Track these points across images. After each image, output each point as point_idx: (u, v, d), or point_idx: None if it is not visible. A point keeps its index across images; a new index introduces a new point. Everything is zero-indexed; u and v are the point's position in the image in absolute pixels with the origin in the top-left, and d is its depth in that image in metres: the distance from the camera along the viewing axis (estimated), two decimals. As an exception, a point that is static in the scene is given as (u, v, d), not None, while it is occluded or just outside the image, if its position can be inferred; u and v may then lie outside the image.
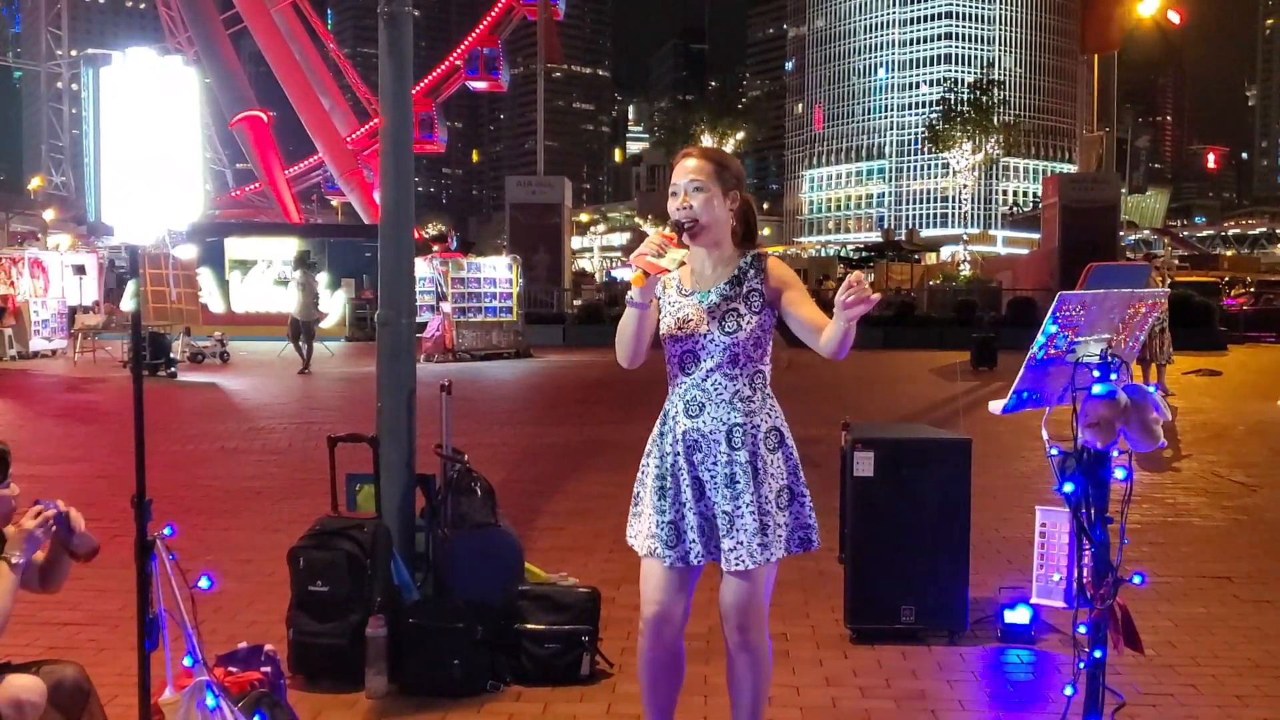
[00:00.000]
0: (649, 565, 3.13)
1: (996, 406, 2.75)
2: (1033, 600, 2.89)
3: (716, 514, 3.05)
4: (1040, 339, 2.61)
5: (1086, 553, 2.72)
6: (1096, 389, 2.66)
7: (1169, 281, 16.61)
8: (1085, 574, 2.73)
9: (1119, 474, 2.73)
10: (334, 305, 28.05)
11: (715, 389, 3.06)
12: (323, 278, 28.18)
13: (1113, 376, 2.66)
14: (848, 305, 2.76)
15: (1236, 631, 5.03)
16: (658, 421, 3.20)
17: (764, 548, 3.02)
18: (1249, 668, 4.56)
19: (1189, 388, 15.76)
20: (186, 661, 3.06)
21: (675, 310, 3.12)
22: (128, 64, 2.90)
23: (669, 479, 3.10)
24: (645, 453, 3.23)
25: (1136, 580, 2.78)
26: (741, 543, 3.01)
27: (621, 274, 61.52)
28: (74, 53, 69.84)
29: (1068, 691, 2.84)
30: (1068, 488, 2.69)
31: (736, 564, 3.02)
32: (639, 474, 3.25)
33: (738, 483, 3.03)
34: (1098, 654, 2.73)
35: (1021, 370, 2.66)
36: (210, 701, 3.00)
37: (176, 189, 2.96)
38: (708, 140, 63.49)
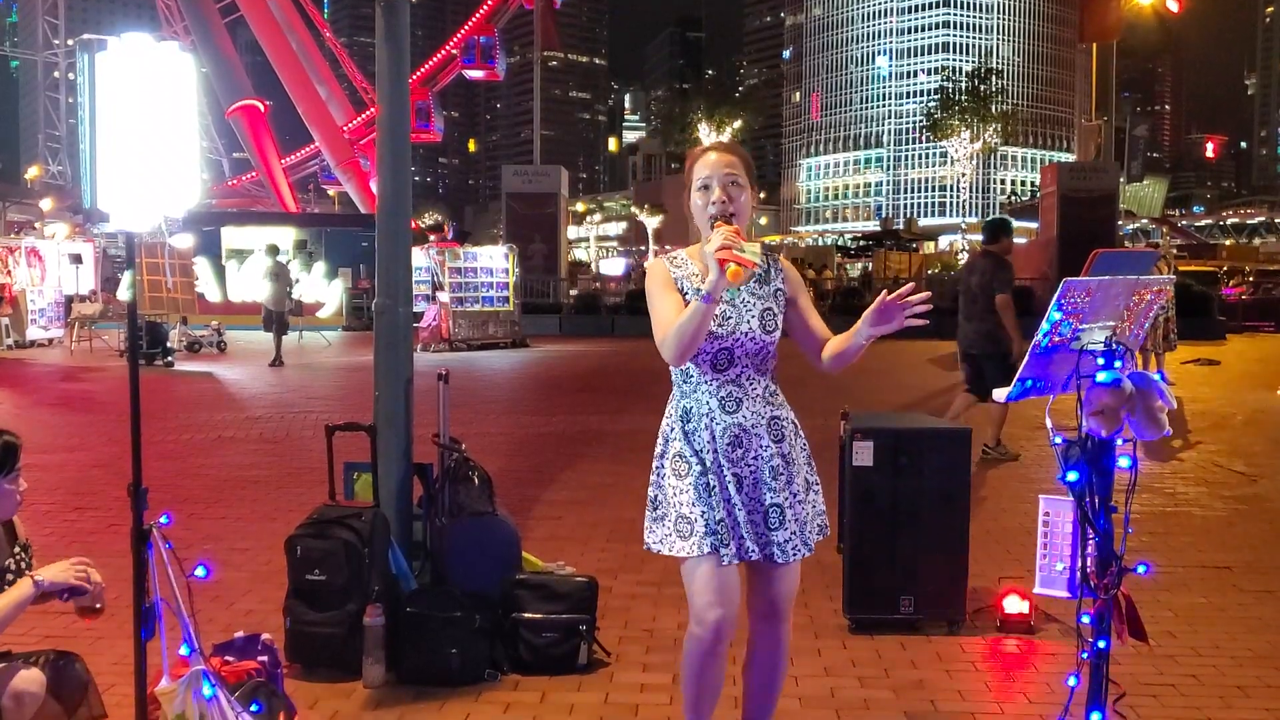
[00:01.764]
0: (705, 567, 2.98)
1: (1000, 394, 2.73)
2: (1036, 590, 2.87)
3: (764, 508, 3.02)
4: (1044, 326, 2.59)
5: (1090, 542, 2.70)
6: (1101, 376, 2.64)
7: (1175, 270, 16.61)
8: (1089, 563, 2.71)
9: (1123, 462, 2.72)
10: (331, 295, 28.01)
11: (750, 385, 3.05)
12: (319, 267, 28.22)
13: (1117, 364, 2.64)
14: (884, 314, 2.82)
15: (1237, 622, 5.03)
16: (674, 421, 3.11)
17: (810, 536, 3.08)
18: (1250, 658, 4.55)
19: (1188, 377, 15.76)
20: (183, 650, 3.05)
21: None
22: (124, 49, 2.88)
23: (712, 476, 3.02)
24: (660, 454, 3.13)
25: (1141, 570, 2.76)
26: (795, 533, 3.02)
27: (609, 267, 61.37)
28: (70, 42, 69.64)
29: (1071, 682, 2.83)
30: (1071, 476, 2.68)
31: (794, 554, 3.02)
32: (654, 476, 3.14)
33: (781, 475, 3.03)
34: (1101, 644, 2.72)
35: (1026, 358, 2.64)
36: (207, 690, 2.98)
37: (172, 175, 2.94)
38: (705, 129, 63.39)
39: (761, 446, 3.03)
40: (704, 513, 2.99)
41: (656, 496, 3.12)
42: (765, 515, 3.02)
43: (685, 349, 2.93)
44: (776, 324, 3.08)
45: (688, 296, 3.03)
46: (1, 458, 3.11)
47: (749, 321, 3.03)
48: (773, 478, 3.02)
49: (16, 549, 3.22)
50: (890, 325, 2.86)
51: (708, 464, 3.02)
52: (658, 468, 3.13)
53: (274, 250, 19.02)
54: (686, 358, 2.98)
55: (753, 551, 3.00)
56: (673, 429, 3.11)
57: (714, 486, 3.01)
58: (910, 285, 2.85)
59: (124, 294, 3.43)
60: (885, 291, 2.88)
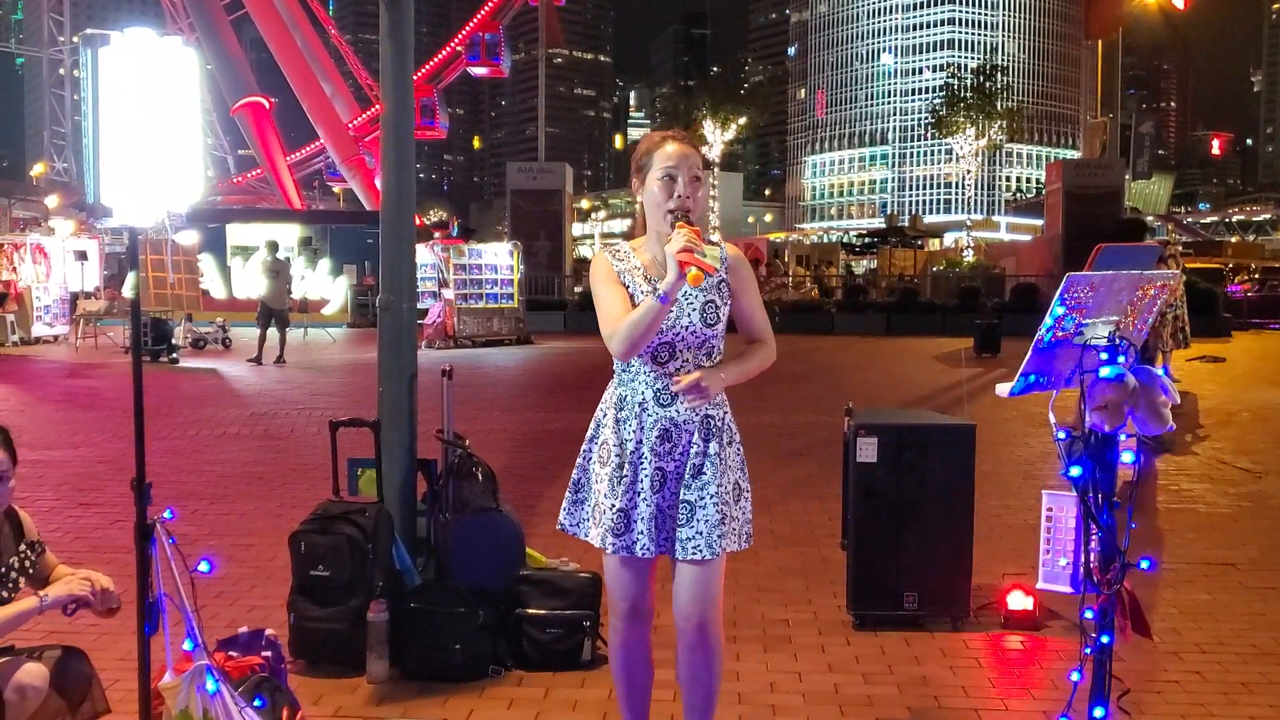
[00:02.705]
0: (614, 559, 3.07)
1: (1004, 389, 2.73)
2: (1039, 585, 2.87)
3: (676, 504, 3.00)
4: (1048, 321, 2.58)
5: (1093, 538, 2.70)
6: (1104, 371, 2.63)
7: (1183, 268, 16.62)
8: (1092, 559, 2.71)
9: (1127, 458, 2.71)
10: (336, 291, 28.05)
11: None
12: (324, 264, 28.26)
13: (1121, 359, 2.63)
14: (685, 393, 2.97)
15: (1241, 618, 5.02)
16: (608, 407, 3.11)
17: (721, 538, 2.99)
18: (1254, 654, 4.54)
19: (1193, 374, 15.72)
20: (187, 645, 3.05)
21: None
22: (127, 44, 2.88)
23: (628, 467, 3.01)
24: (590, 437, 3.16)
25: (1144, 565, 2.76)
26: (700, 532, 2.97)
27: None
28: (75, 39, 69.70)
29: (1074, 677, 2.83)
30: (1075, 471, 2.67)
31: (694, 553, 2.97)
32: (580, 459, 3.18)
33: (704, 473, 2.99)
34: (1105, 640, 2.72)
35: (1029, 353, 2.63)
36: (210, 685, 2.99)
37: (175, 171, 2.93)
38: (709, 126, 63.28)
39: (689, 443, 3.01)
40: (612, 504, 3.01)
41: (579, 479, 3.17)
42: (678, 511, 3.01)
43: (635, 345, 2.92)
44: (719, 316, 3.04)
45: (631, 290, 3.02)
46: None
47: (690, 315, 3.00)
48: (693, 475, 2.99)
49: (22, 547, 3.22)
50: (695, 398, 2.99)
51: (627, 454, 3.02)
52: (585, 451, 3.16)
53: (274, 246, 18.83)
54: (635, 353, 2.96)
55: (647, 549, 2.98)
56: (605, 414, 3.12)
57: (625, 477, 3.01)
58: (683, 381, 2.96)
59: (129, 291, 3.43)
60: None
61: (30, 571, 3.26)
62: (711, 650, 3.10)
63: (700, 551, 2.97)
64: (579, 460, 3.18)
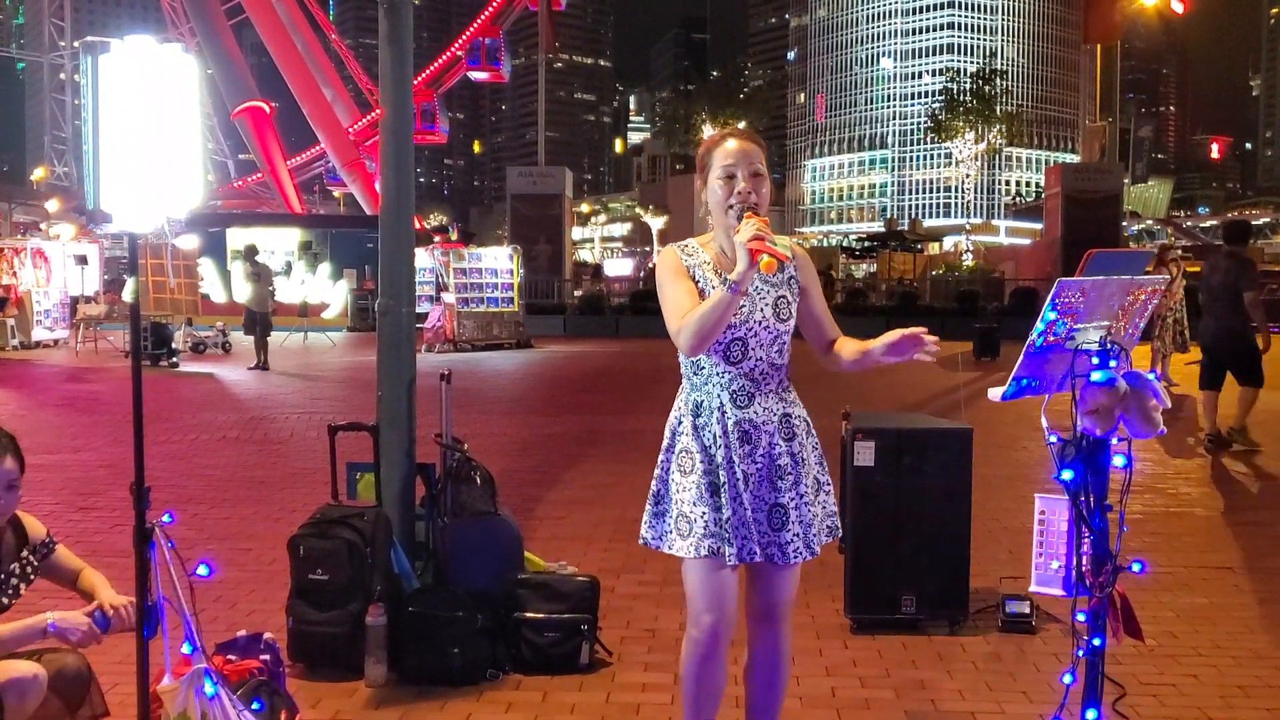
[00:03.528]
0: (706, 569, 2.93)
1: (996, 393, 2.74)
2: (1032, 588, 2.88)
3: (768, 507, 2.95)
4: (1039, 326, 2.60)
5: (1086, 541, 2.71)
6: (1096, 376, 2.65)
7: (1184, 272, 16.65)
8: (1084, 562, 2.72)
9: (1118, 461, 2.73)
10: (336, 296, 28.07)
11: (763, 378, 2.98)
12: (324, 268, 28.28)
13: (1112, 363, 2.65)
14: (899, 346, 2.86)
15: (1239, 622, 5.03)
16: (684, 414, 3.03)
17: (816, 536, 2.99)
18: (1251, 658, 4.55)
19: (1191, 378, 15.70)
20: (185, 649, 3.06)
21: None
22: (127, 51, 2.89)
23: (721, 473, 2.93)
24: (666, 447, 3.06)
25: (1136, 568, 2.77)
26: (798, 535, 2.94)
27: (612, 268, 61.37)
28: (76, 44, 69.81)
29: (1066, 680, 2.84)
30: (1066, 475, 2.69)
31: (795, 557, 2.94)
32: (659, 470, 3.07)
33: (789, 474, 2.96)
34: (1096, 642, 2.73)
35: (1021, 357, 2.65)
36: (209, 689, 3.00)
37: (175, 177, 2.95)
38: (709, 130, 63.32)
39: (772, 444, 2.96)
40: (704, 513, 2.92)
41: (659, 491, 3.06)
42: (769, 515, 2.95)
43: (705, 338, 2.83)
44: (791, 312, 3.01)
45: (700, 284, 2.96)
46: None
47: (763, 310, 2.95)
48: (779, 477, 2.95)
49: (25, 552, 3.23)
50: (901, 358, 2.89)
51: (716, 460, 2.94)
52: (663, 461, 3.06)
53: (253, 251, 18.67)
54: (704, 348, 2.88)
55: (755, 553, 2.93)
56: (681, 422, 3.03)
57: (721, 485, 2.93)
58: (927, 334, 2.86)
59: (129, 295, 3.44)
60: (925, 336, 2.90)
61: (32, 578, 3.26)
62: (786, 655, 3.13)
63: (801, 554, 2.95)
64: (657, 472, 3.08)
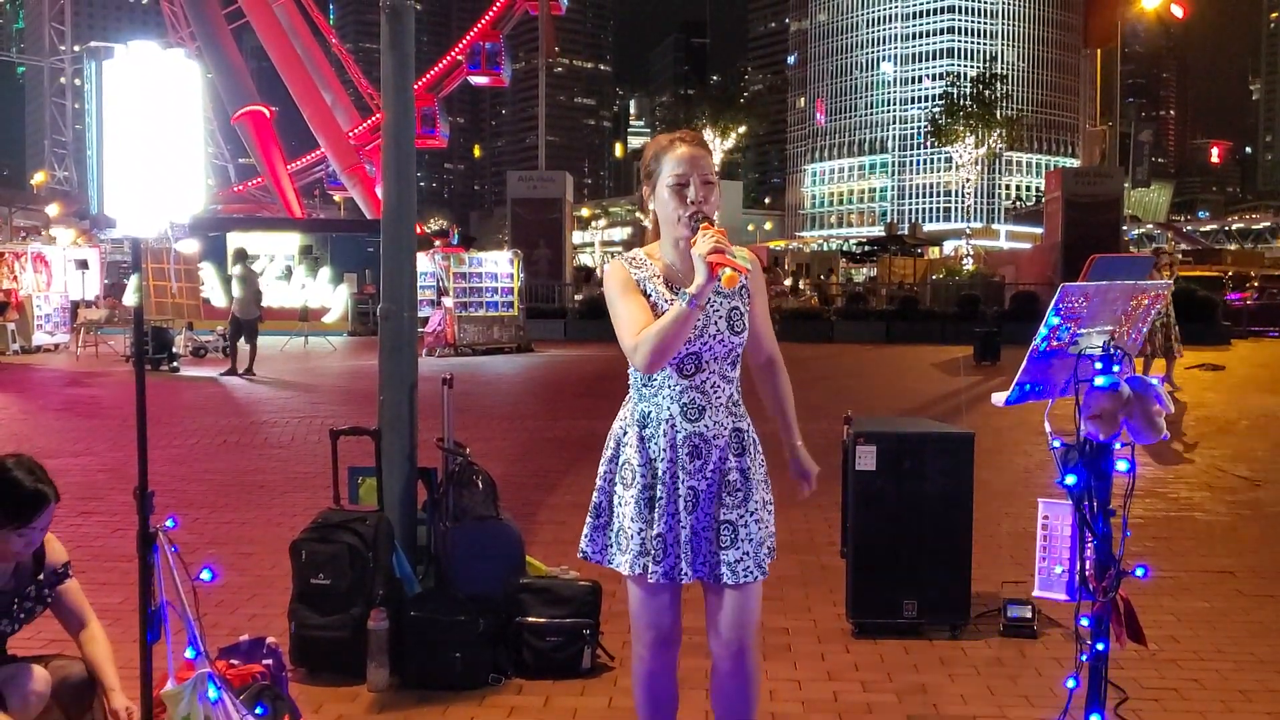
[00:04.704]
0: (638, 586, 2.91)
1: (999, 398, 2.74)
2: (1035, 593, 2.88)
3: (716, 525, 2.86)
4: (1043, 331, 2.60)
5: (1089, 545, 2.71)
6: (1099, 381, 2.65)
7: (1175, 277, 16.65)
8: (1087, 567, 2.72)
9: (1122, 466, 2.73)
10: (336, 300, 28.08)
11: (714, 391, 2.88)
12: (325, 272, 28.30)
13: (1115, 368, 2.65)
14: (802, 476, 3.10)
15: (1240, 626, 5.03)
16: (629, 425, 2.96)
17: (766, 557, 2.89)
18: (1253, 663, 4.55)
19: (1192, 382, 15.73)
20: (188, 654, 3.07)
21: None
22: (130, 57, 2.90)
23: (660, 487, 2.85)
24: (609, 458, 2.99)
25: (1139, 573, 2.77)
26: (748, 554, 2.84)
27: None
28: (77, 48, 69.92)
29: (1070, 684, 2.84)
30: (1070, 480, 2.69)
31: (745, 576, 2.83)
32: (601, 481, 3.01)
33: (739, 490, 2.86)
34: (1100, 647, 2.73)
35: (1024, 362, 2.65)
36: (212, 694, 3.00)
37: (178, 182, 2.96)
38: (709, 134, 63.35)
39: (721, 459, 2.87)
40: (640, 529, 2.85)
41: (600, 503, 3.01)
42: (717, 532, 2.85)
43: (663, 354, 2.75)
44: (745, 324, 2.90)
45: (653, 298, 2.85)
46: (26, 505, 3.09)
47: (717, 323, 2.86)
48: (729, 493, 2.86)
49: (42, 574, 3.23)
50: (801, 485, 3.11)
51: (657, 474, 2.87)
52: (605, 473, 3.00)
53: (241, 255, 18.42)
54: (662, 364, 2.80)
55: (686, 574, 2.84)
56: (626, 433, 2.96)
57: (658, 500, 2.85)
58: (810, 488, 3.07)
59: (130, 299, 3.43)
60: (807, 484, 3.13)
61: (48, 599, 3.25)
62: (750, 677, 2.97)
63: (751, 574, 2.84)
64: (598, 483, 3.01)
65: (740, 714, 3.00)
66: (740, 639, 2.92)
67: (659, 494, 2.86)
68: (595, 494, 3.03)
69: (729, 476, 2.87)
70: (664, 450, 2.87)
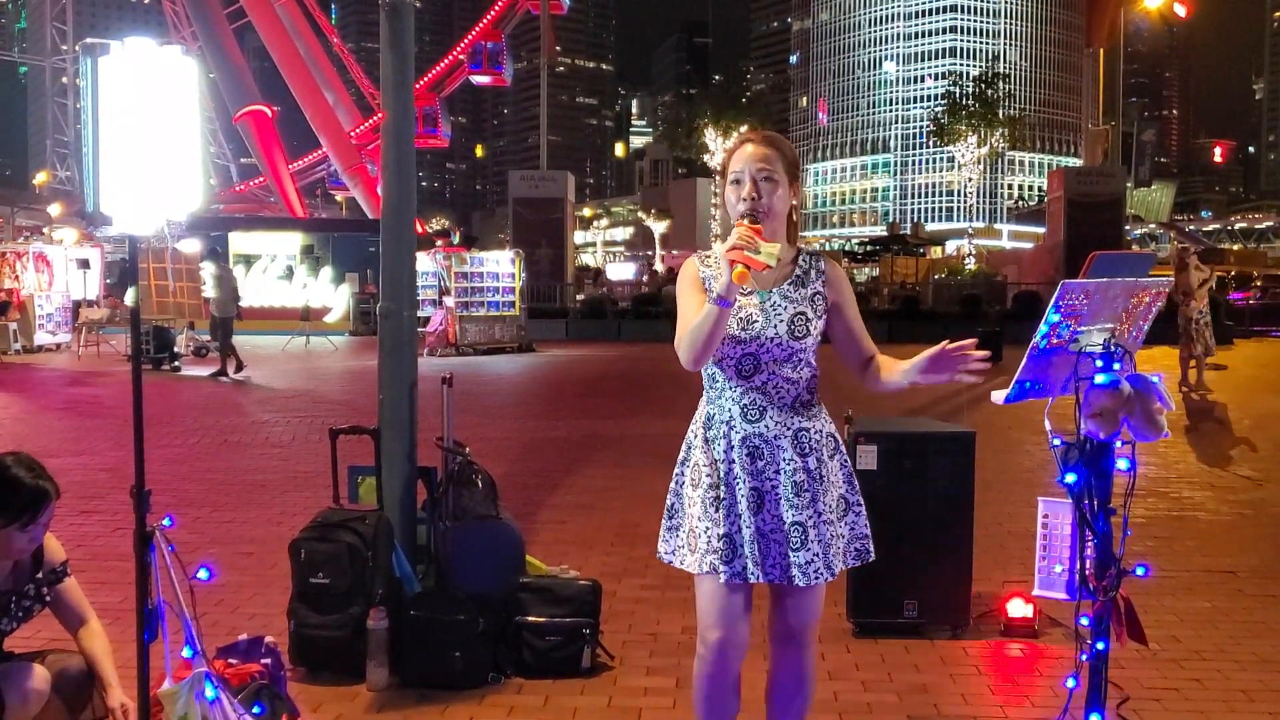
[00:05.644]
0: (708, 585, 2.87)
1: (999, 396, 2.72)
2: (1035, 592, 2.87)
3: (785, 526, 2.83)
4: (1043, 328, 2.58)
5: (1089, 544, 2.70)
6: (1099, 379, 2.64)
7: (1213, 275, 16.63)
8: (1088, 565, 2.71)
9: (1122, 465, 2.71)
10: (338, 300, 28.09)
11: (777, 393, 2.87)
12: (327, 272, 28.31)
13: (1116, 366, 2.64)
14: (938, 363, 2.71)
15: (1242, 626, 5.01)
16: (698, 427, 2.96)
17: (836, 557, 2.87)
18: (1255, 662, 4.54)
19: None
20: (186, 653, 3.06)
21: (737, 310, 2.84)
22: (126, 53, 2.89)
23: (723, 488, 2.85)
24: (681, 460, 3.00)
25: (1140, 572, 2.76)
26: (817, 555, 2.82)
27: (616, 272, 61.44)
28: (79, 48, 70.02)
29: (1070, 684, 2.83)
30: (1070, 478, 2.67)
31: (815, 578, 2.81)
32: (673, 484, 3.01)
33: (806, 491, 2.84)
34: (1100, 646, 2.72)
35: (1024, 360, 2.63)
36: (209, 693, 2.99)
37: (175, 179, 2.95)
38: (711, 134, 63.28)
39: (784, 459, 2.85)
40: (708, 528, 2.85)
41: (673, 505, 3.00)
42: (786, 534, 2.83)
43: (697, 352, 2.77)
44: (809, 330, 2.89)
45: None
46: (29, 502, 3.09)
47: (776, 326, 2.85)
48: (795, 494, 2.83)
49: (40, 573, 3.23)
50: (942, 377, 2.74)
51: (720, 475, 2.87)
52: (678, 474, 3.01)
53: (215, 253, 18.19)
54: (702, 361, 2.81)
55: (756, 574, 2.83)
56: (695, 435, 2.97)
57: (723, 500, 2.85)
58: (973, 341, 2.69)
59: (128, 299, 3.43)
60: (948, 340, 2.74)
61: (47, 598, 3.26)
62: (807, 676, 3.00)
63: (821, 575, 2.82)
64: (671, 485, 3.01)
65: (791, 706, 3.02)
66: (802, 636, 2.96)
67: (722, 494, 2.86)
68: (669, 495, 3.03)
69: (795, 477, 2.85)
70: (725, 451, 2.87)
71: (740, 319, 2.85)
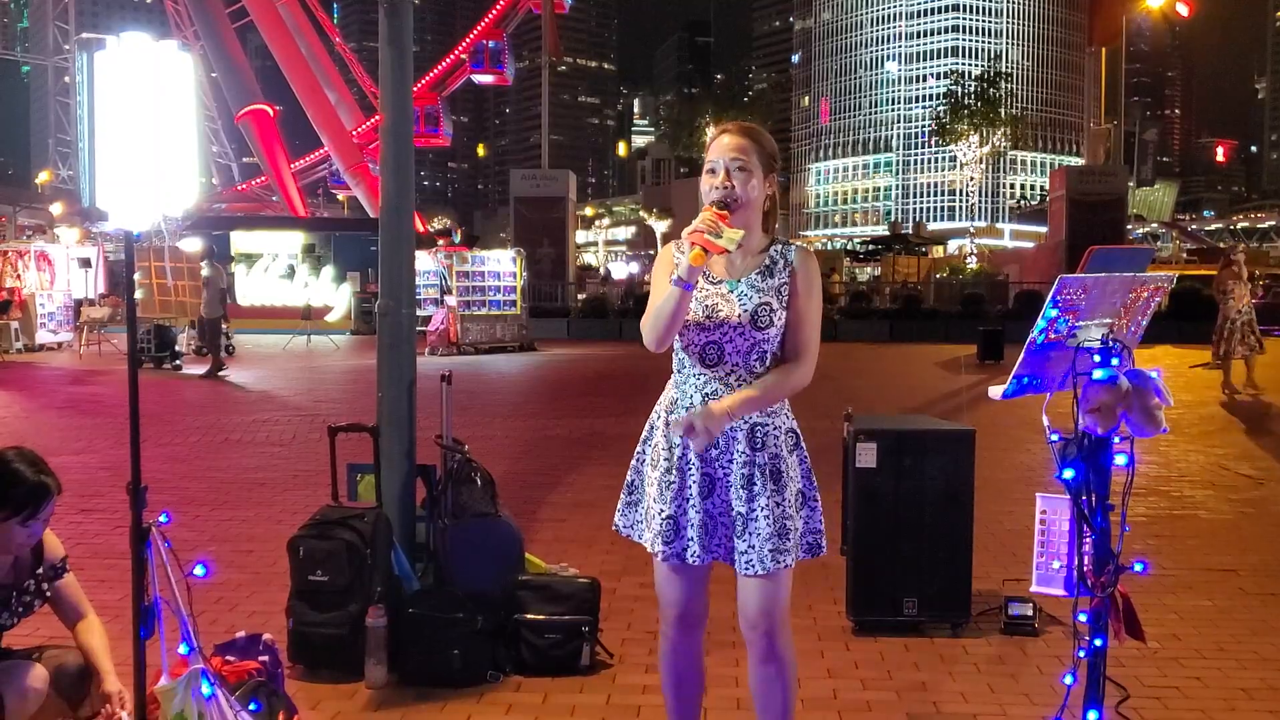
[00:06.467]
0: (661, 564, 3.00)
1: (997, 391, 2.72)
2: (1032, 588, 2.86)
3: (732, 514, 2.91)
4: (1040, 323, 2.58)
5: (1087, 540, 2.69)
6: (1097, 374, 2.63)
7: (1256, 275, 16.53)
8: (1086, 562, 2.70)
9: (1120, 460, 2.70)
10: (339, 299, 28.09)
11: (739, 384, 2.89)
12: (328, 271, 28.30)
13: (1114, 361, 2.63)
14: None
15: (1242, 625, 5.00)
16: (660, 409, 3.04)
17: (779, 553, 2.88)
18: (1255, 661, 4.53)
19: (1196, 380, 15.69)
20: (182, 650, 3.05)
21: (703, 298, 2.90)
22: (123, 48, 2.88)
23: (674, 472, 2.93)
24: (644, 439, 3.08)
25: (1138, 568, 2.75)
26: (753, 547, 2.88)
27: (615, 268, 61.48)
28: (75, 42, 69.93)
29: (1067, 680, 2.82)
30: (1068, 474, 2.66)
31: (747, 568, 2.89)
32: (634, 460, 3.11)
33: (754, 484, 2.89)
34: (1098, 643, 2.71)
35: (1022, 355, 2.62)
36: (206, 689, 2.99)
37: (172, 174, 2.94)
38: (712, 133, 63.31)
39: (737, 451, 2.90)
40: (660, 510, 2.94)
41: (633, 481, 3.11)
42: (733, 522, 2.92)
43: (660, 334, 2.85)
44: (772, 320, 2.89)
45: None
46: (30, 497, 3.09)
47: (740, 315, 2.88)
48: (744, 486, 2.89)
49: (40, 569, 3.23)
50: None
51: (674, 458, 2.94)
52: (639, 452, 3.10)
53: (208, 253, 17.91)
54: (664, 343, 2.88)
55: (698, 556, 2.90)
56: (658, 416, 3.05)
57: (672, 483, 2.93)
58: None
59: (125, 297, 3.44)
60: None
61: (48, 594, 3.26)
62: (782, 661, 3.00)
63: (754, 567, 2.88)
64: (633, 462, 3.11)
65: (777, 700, 3.03)
66: (766, 625, 2.96)
67: (674, 478, 2.94)
68: (629, 471, 3.13)
69: (744, 470, 2.90)
70: (682, 436, 2.91)
71: (706, 306, 2.90)
